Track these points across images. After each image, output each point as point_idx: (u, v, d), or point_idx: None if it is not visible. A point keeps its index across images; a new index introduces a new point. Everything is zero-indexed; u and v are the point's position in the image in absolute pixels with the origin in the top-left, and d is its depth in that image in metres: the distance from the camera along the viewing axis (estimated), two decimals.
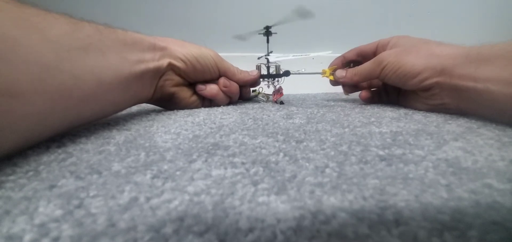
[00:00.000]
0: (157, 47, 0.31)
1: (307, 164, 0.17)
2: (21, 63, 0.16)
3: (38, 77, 0.17)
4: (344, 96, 0.50)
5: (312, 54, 0.41)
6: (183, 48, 0.34)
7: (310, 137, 0.23)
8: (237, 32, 0.40)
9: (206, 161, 0.18)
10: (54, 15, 0.20)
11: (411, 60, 0.32)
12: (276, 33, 0.41)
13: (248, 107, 0.39)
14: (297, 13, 0.37)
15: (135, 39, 0.28)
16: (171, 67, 0.33)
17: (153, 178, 0.15)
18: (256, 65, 0.42)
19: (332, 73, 0.42)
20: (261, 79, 0.43)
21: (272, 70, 0.42)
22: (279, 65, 0.42)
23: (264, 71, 0.42)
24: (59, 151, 0.20)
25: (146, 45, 0.30)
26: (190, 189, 0.14)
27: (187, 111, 0.35)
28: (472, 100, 0.28)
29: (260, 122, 0.29)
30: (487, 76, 0.26)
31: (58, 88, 0.19)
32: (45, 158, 0.19)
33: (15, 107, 0.16)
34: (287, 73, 0.42)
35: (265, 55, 0.42)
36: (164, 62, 0.32)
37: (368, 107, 0.38)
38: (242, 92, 0.43)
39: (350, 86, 0.44)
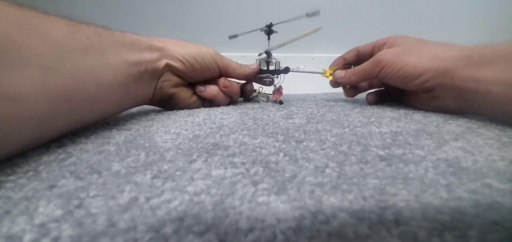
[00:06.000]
0: (154, 48, 0.31)
1: (307, 164, 0.17)
2: (23, 66, 0.16)
3: (40, 80, 0.17)
4: (344, 97, 0.50)
5: (300, 36, 0.39)
6: (181, 48, 0.33)
7: (310, 137, 0.23)
8: (237, 31, 0.40)
9: (206, 161, 0.18)
10: (53, 17, 0.20)
11: (413, 61, 0.31)
12: (276, 32, 0.41)
13: (248, 107, 0.39)
14: (306, 14, 0.36)
15: (133, 40, 0.28)
16: (168, 68, 0.33)
17: (153, 178, 0.15)
18: (256, 60, 0.42)
19: (332, 74, 0.41)
20: (264, 81, 0.43)
21: (272, 66, 0.41)
22: (279, 62, 0.42)
23: (264, 67, 0.42)
24: (59, 151, 0.20)
25: (144, 46, 0.30)
26: (190, 189, 0.14)
27: (187, 112, 0.35)
28: (474, 102, 0.28)
29: (260, 122, 0.29)
30: (489, 78, 0.26)
31: (59, 91, 0.19)
32: (45, 158, 0.19)
33: (18, 111, 0.16)
34: (286, 70, 0.41)
35: (265, 51, 0.41)
36: (161, 63, 0.32)
37: (368, 107, 0.38)
38: (245, 90, 0.43)
39: (351, 88, 0.43)
